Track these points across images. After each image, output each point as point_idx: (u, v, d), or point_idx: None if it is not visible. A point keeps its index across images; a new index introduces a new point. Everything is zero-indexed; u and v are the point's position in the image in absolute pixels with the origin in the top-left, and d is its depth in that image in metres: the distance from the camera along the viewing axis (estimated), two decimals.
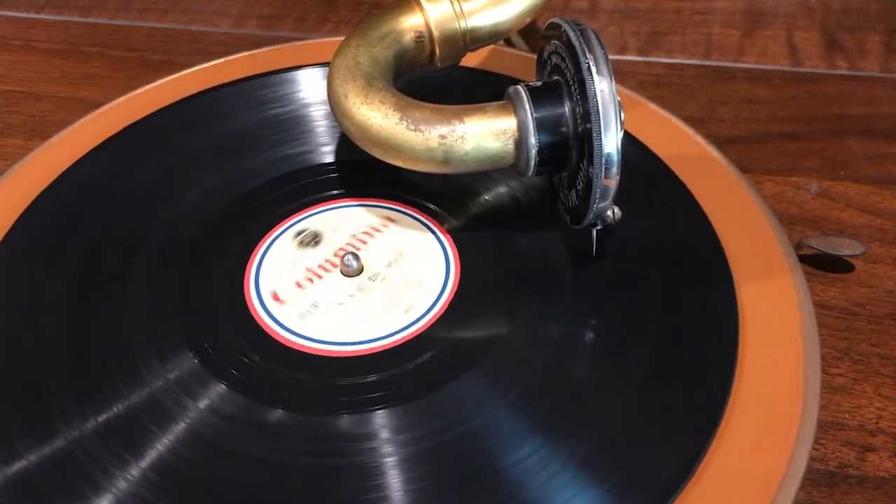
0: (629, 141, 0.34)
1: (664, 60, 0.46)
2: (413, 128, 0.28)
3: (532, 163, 0.28)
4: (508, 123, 0.28)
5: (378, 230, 0.31)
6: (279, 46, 0.41)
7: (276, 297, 0.29)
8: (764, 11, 0.50)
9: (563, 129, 0.28)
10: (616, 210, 0.28)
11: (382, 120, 0.28)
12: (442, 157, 0.28)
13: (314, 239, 0.31)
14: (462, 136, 0.28)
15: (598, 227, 0.29)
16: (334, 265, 0.30)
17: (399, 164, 0.29)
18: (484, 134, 0.28)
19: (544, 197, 0.32)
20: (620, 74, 0.45)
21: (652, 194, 0.32)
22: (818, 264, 0.34)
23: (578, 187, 0.28)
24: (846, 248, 0.33)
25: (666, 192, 0.32)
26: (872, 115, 0.42)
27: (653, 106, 0.37)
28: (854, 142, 0.40)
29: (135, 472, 0.24)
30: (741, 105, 0.43)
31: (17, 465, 0.24)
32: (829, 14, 0.49)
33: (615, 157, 0.26)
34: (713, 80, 0.44)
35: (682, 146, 0.35)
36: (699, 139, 0.35)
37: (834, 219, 0.36)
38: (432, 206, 0.32)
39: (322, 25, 0.50)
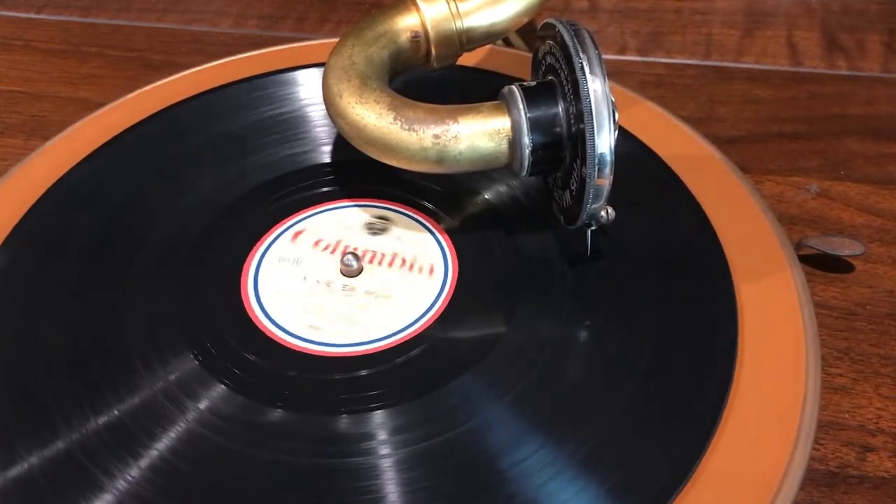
0: (630, 141, 0.34)
1: (664, 60, 0.46)
2: (407, 127, 0.28)
3: (526, 163, 0.28)
4: (502, 123, 0.28)
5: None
6: (279, 47, 0.41)
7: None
8: (764, 11, 0.49)
9: (557, 129, 0.28)
10: (610, 210, 0.28)
11: (377, 119, 0.28)
12: (436, 157, 0.28)
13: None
14: (456, 136, 0.28)
15: (593, 228, 0.29)
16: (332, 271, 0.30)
17: (393, 163, 0.29)
18: (478, 134, 0.28)
19: (544, 196, 0.32)
20: (620, 74, 0.45)
21: (652, 194, 0.32)
22: (818, 264, 0.34)
23: (572, 187, 0.28)
24: (846, 248, 0.33)
25: (666, 192, 0.32)
26: (872, 115, 0.42)
27: (653, 106, 0.37)
28: (854, 142, 0.40)
29: (135, 472, 0.24)
30: (741, 105, 0.43)
31: (18, 467, 0.24)
32: (829, 14, 0.49)
33: (608, 158, 0.26)
34: (713, 80, 0.44)
35: (682, 146, 0.35)
36: (699, 139, 0.35)
37: (834, 219, 0.36)
38: (431, 206, 0.32)
39: (322, 25, 0.50)
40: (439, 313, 0.29)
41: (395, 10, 0.32)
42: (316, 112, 0.36)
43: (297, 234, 0.31)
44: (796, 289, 0.29)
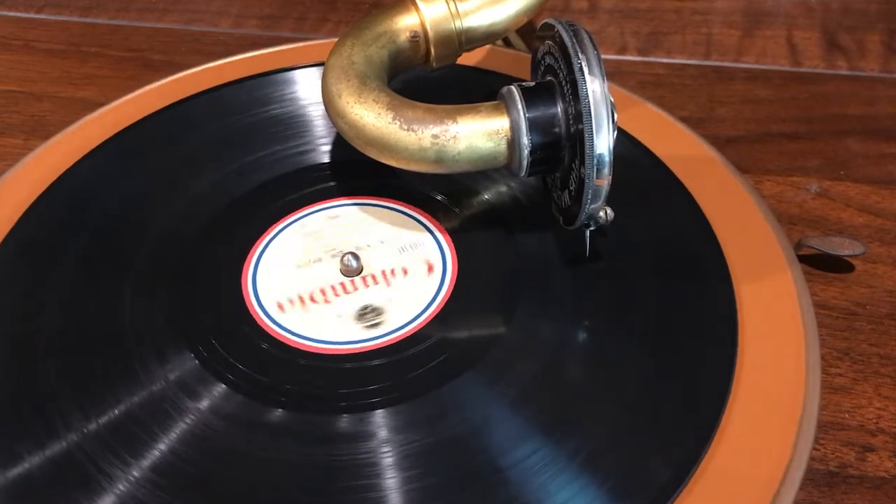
0: (629, 141, 0.34)
1: (664, 60, 0.46)
2: (406, 127, 0.28)
3: (525, 163, 0.28)
4: (501, 124, 0.28)
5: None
6: (279, 47, 0.41)
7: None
8: (764, 11, 0.49)
9: (556, 129, 0.28)
10: (608, 211, 0.28)
11: (375, 119, 0.28)
12: (434, 157, 0.28)
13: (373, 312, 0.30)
14: (455, 136, 0.28)
15: (591, 228, 0.29)
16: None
17: (392, 163, 0.29)
18: (476, 134, 0.28)
19: (543, 197, 0.32)
20: (620, 74, 0.45)
21: (651, 194, 0.32)
22: (818, 264, 0.34)
23: (571, 188, 0.28)
24: (846, 248, 0.33)
25: (666, 192, 0.32)
26: (872, 115, 0.42)
27: (653, 106, 0.37)
28: (854, 142, 0.40)
29: (135, 472, 0.24)
30: (741, 105, 0.43)
31: (18, 467, 0.24)
32: (829, 14, 0.49)
33: (607, 158, 0.26)
34: (713, 80, 0.44)
35: (682, 146, 0.35)
36: (699, 139, 0.35)
37: (834, 219, 0.36)
38: (431, 206, 0.32)
39: (322, 25, 0.50)
40: (438, 312, 0.29)
41: (395, 10, 0.32)
42: (316, 112, 0.36)
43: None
44: (796, 289, 0.29)
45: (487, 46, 0.37)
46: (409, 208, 0.32)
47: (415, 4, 0.32)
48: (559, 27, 0.27)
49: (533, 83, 0.29)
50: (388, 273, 0.30)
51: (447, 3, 0.32)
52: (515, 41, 0.44)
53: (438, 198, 0.32)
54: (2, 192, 0.33)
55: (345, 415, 0.26)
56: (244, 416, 0.26)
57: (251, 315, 0.29)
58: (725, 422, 0.25)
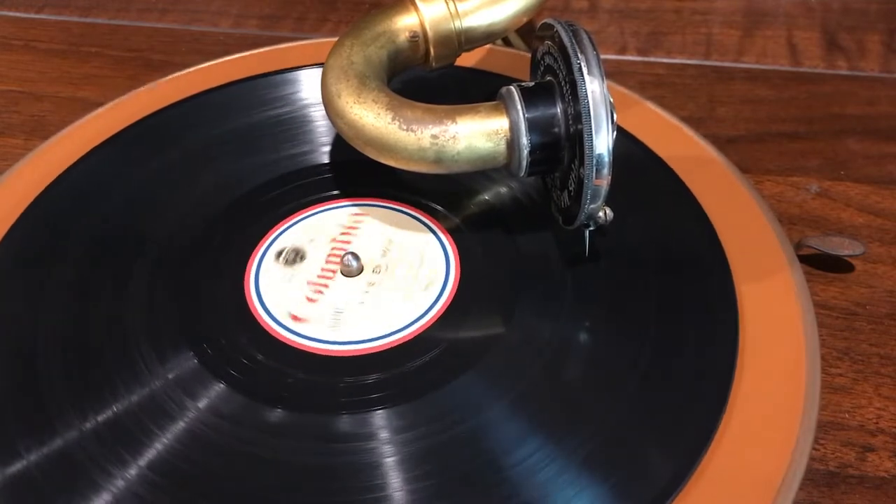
0: (629, 141, 0.34)
1: (664, 60, 0.46)
2: (405, 127, 0.28)
3: (524, 163, 0.28)
4: (500, 124, 0.28)
5: (354, 227, 0.31)
6: (279, 46, 0.41)
7: (295, 318, 0.29)
8: (764, 11, 0.49)
9: (555, 129, 0.28)
10: (608, 211, 0.28)
11: (375, 119, 0.28)
12: (434, 157, 0.28)
13: (297, 255, 0.30)
14: (454, 136, 0.28)
15: (591, 228, 0.29)
16: (333, 271, 0.30)
17: (391, 163, 0.29)
18: (476, 134, 0.28)
19: (544, 197, 0.32)
20: (620, 74, 0.45)
21: (652, 194, 0.32)
22: (818, 264, 0.34)
23: (570, 188, 0.28)
24: (846, 248, 0.33)
25: (666, 192, 0.32)
26: (872, 115, 0.42)
27: (652, 106, 0.37)
28: (854, 142, 0.40)
29: (134, 471, 0.24)
30: (741, 105, 0.43)
31: (17, 465, 0.24)
32: (829, 14, 0.49)
33: (606, 159, 0.26)
34: (713, 80, 0.44)
35: (682, 146, 0.35)
36: (699, 139, 0.35)
37: (834, 219, 0.36)
38: (432, 206, 0.32)
39: (322, 25, 0.50)
40: (440, 313, 0.29)
41: (394, 10, 0.32)
42: (316, 112, 0.36)
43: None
44: (796, 289, 0.29)
45: (487, 46, 0.37)
46: (410, 208, 0.32)
47: (414, 4, 0.32)
48: (558, 27, 0.27)
49: (532, 83, 0.29)
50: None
51: (446, 3, 0.32)
52: (515, 41, 0.44)
53: (439, 198, 0.32)
54: (2, 192, 0.33)
55: (345, 415, 0.26)
56: (244, 415, 0.26)
57: (252, 315, 0.29)
58: (725, 422, 0.25)
